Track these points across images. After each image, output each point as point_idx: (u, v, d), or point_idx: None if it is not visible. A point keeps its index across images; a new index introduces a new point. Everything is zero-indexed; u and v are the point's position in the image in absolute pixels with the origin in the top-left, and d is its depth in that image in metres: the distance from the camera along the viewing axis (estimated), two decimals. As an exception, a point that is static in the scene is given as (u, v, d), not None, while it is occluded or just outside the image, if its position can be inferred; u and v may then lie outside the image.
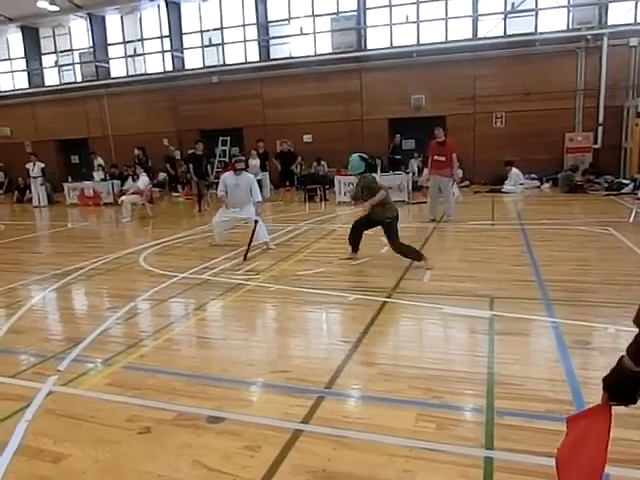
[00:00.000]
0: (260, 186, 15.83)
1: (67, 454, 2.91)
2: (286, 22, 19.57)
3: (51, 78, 23.56)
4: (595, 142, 16.32)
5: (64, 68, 23.15)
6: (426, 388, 3.49)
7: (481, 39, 17.12)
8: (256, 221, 8.24)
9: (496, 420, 3.05)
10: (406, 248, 6.88)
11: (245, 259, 7.76)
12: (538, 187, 16.08)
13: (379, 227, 7.01)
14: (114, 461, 2.83)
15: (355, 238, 7.39)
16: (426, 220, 10.46)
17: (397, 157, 16.89)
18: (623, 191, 13.78)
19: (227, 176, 8.63)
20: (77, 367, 4.06)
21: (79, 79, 22.39)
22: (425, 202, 13.60)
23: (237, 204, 8.55)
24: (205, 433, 3.05)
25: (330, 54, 18.48)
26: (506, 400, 3.28)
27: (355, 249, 7.43)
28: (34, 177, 17.80)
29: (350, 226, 7.52)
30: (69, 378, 3.85)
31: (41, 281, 7.10)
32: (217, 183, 9.22)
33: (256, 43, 19.78)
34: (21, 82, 23.74)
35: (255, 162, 15.80)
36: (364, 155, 7.21)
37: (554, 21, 16.78)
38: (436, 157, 10.38)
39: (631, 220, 9.60)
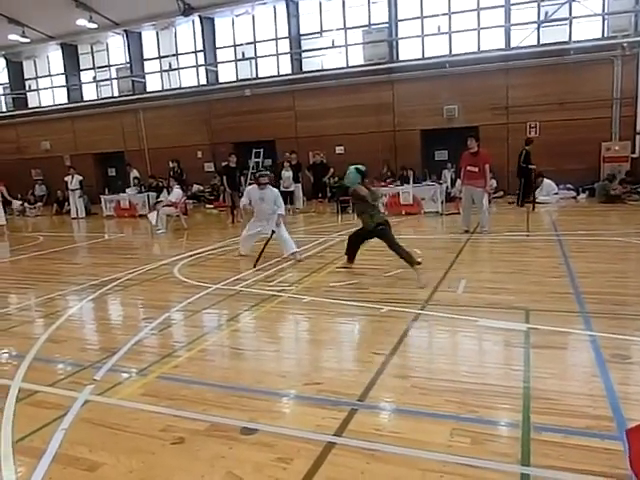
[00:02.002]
0: (293, 197, 16.07)
1: (102, 463, 2.94)
2: (318, 35, 19.71)
3: (89, 93, 24.22)
4: (633, 151, 15.91)
5: (102, 83, 23.79)
6: (461, 402, 3.42)
7: (514, 49, 16.89)
8: (273, 231, 8.50)
9: (533, 436, 2.97)
10: (403, 250, 6.89)
11: (254, 266, 8.01)
12: (574, 197, 15.74)
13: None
14: (148, 471, 2.85)
15: (353, 250, 7.55)
16: (459, 231, 10.34)
17: (531, 166, 14.44)
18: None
19: (252, 190, 8.87)
20: (113, 377, 4.12)
21: (116, 94, 22.94)
22: (458, 213, 13.46)
23: (262, 217, 8.75)
24: (238, 444, 3.04)
25: (362, 66, 18.48)
26: (543, 415, 3.19)
27: (351, 259, 7.60)
28: (72, 190, 18.25)
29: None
30: (105, 387, 3.91)
31: (79, 291, 7.25)
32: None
33: (288, 56, 19.96)
34: (61, 97, 24.45)
35: (288, 174, 15.90)
36: (360, 167, 7.26)
37: (588, 29, 16.49)
38: (469, 168, 10.22)
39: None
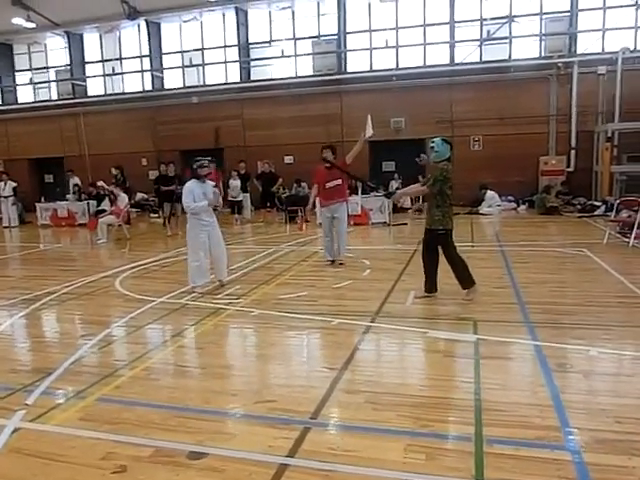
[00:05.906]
0: (241, 207, 15.84)
1: (33, 498, 2.71)
2: (267, 44, 19.68)
3: (25, 95, 23.20)
4: (568, 165, 16.67)
5: (39, 86, 22.86)
6: (415, 417, 3.40)
7: (458, 64, 17.45)
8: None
9: (485, 449, 2.98)
10: (462, 263, 6.10)
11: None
12: (515, 209, 16.33)
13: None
14: (86, 505, 2.64)
15: (430, 268, 6.26)
16: (407, 243, 10.40)
17: None
18: (595, 213, 14.14)
19: (192, 185, 7.11)
20: (47, 400, 3.84)
21: (55, 97, 22.08)
22: (405, 224, 13.65)
23: (207, 216, 7.19)
24: (185, 470, 2.89)
25: (311, 76, 18.59)
26: (495, 427, 3.22)
27: (431, 286, 6.29)
28: (5, 197, 17.32)
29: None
30: (38, 413, 3.64)
31: (9, 307, 6.80)
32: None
33: (237, 64, 19.80)
34: (-7, 99, 23.35)
35: (236, 183, 15.69)
36: (447, 138, 6.30)
37: (527, 49, 17.31)
38: (328, 185, 8.44)
39: (604, 242, 9.71)
